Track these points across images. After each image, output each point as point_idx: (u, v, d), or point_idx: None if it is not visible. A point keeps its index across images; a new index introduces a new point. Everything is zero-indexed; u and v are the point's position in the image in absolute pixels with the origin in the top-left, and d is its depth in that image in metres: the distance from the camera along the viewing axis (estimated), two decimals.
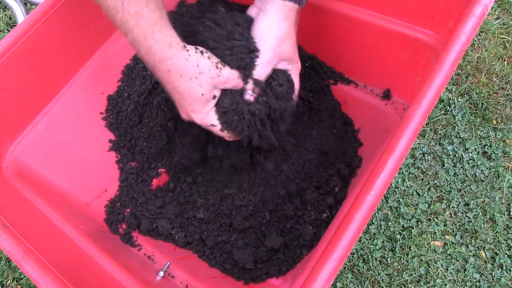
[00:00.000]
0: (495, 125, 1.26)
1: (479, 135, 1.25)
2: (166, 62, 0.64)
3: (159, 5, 0.63)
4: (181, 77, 0.65)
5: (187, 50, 0.65)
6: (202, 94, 0.67)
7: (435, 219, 1.16)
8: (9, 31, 1.43)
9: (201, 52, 0.67)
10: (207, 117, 0.70)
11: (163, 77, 0.66)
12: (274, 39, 0.71)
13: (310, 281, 0.48)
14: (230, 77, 0.69)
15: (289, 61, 0.74)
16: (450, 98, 1.29)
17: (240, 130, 0.71)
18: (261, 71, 0.72)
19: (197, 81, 0.66)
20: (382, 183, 0.50)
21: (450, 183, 1.19)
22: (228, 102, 0.70)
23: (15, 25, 0.87)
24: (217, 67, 0.67)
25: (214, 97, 0.69)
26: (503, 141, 1.24)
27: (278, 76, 0.73)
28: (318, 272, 0.48)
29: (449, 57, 0.55)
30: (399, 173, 1.20)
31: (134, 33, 0.62)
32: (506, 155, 1.22)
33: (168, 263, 0.81)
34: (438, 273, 1.10)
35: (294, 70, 0.75)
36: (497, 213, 1.16)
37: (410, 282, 1.09)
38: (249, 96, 0.71)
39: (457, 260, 1.12)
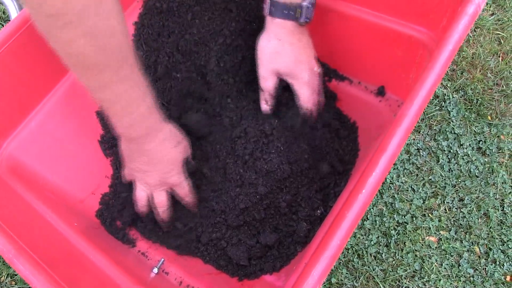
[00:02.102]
0: (490, 121, 1.26)
1: (474, 130, 1.25)
2: (160, 134, 0.71)
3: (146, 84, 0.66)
4: (170, 146, 0.73)
5: (170, 123, 0.74)
6: (180, 160, 0.76)
7: (429, 214, 1.16)
8: (2, 25, 1.42)
9: (174, 125, 0.75)
10: (181, 177, 0.77)
11: (152, 148, 0.71)
12: (264, 56, 0.79)
13: (302, 280, 0.48)
14: (190, 150, 0.80)
15: (290, 76, 0.80)
16: (445, 94, 1.29)
17: None
18: (260, 85, 0.82)
19: (179, 147, 0.75)
20: (374, 181, 0.51)
21: (445, 179, 1.20)
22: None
23: (8, 20, 0.86)
24: (184, 136, 0.77)
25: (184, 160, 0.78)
26: (498, 136, 1.24)
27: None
28: (309, 271, 0.48)
29: (441, 56, 0.55)
30: (394, 169, 1.20)
31: (134, 115, 0.65)
32: (500, 151, 1.23)
33: (162, 259, 0.81)
34: (433, 268, 1.11)
35: (297, 84, 0.80)
36: (491, 208, 1.16)
37: (404, 278, 1.10)
38: (264, 106, 0.84)
39: (452, 256, 1.12)
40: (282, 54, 0.77)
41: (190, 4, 0.90)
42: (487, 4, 1.42)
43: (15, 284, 1.09)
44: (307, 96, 0.81)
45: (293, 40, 0.76)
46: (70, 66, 0.58)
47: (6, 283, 1.10)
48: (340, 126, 0.88)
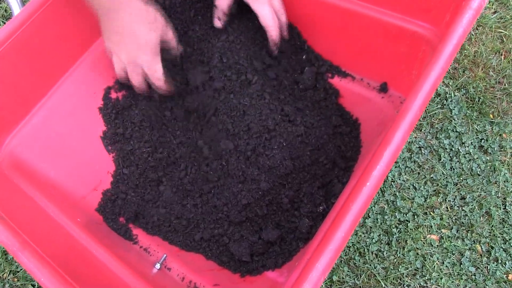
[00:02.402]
0: (492, 119, 1.26)
1: (476, 129, 1.25)
2: (132, 5, 0.70)
3: None
4: (141, 21, 0.72)
5: (147, 3, 0.73)
6: (155, 40, 0.75)
7: (431, 213, 1.16)
8: (4, 23, 1.42)
9: (157, 9, 0.75)
10: (154, 60, 0.76)
11: (120, 18, 0.71)
12: None
13: (306, 273, 0.48)
14: (171, 30, 0.79)
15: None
16: (447, 92, 1.29)
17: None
18: (216, 4, 0.83)
19: (152, 26, 0.74)
20: (378, 175, 0.51)
21: (446, 177, 1.20)
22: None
23: (11, 18, 0.86)
24: (163, 19, 0.76)
25: (158, 45, 0.77)
26: (500, 135, 1.24)
27: None
28: (314, 263, 0.48)
29: (445, 50, 0.55)
30: (395, 167, 1.20)
31: None
32: (502, 149, 1.23)
33: (165, 255, 0.81)
34: (434, 266, 1.11)
35: (256, 4, 0.81)
36: (493, 207, 1.16)
37: (406, 276, 1.10)
38: (217, 22, 0.85)
39: (453, 254, 1.12)
40: None
41: (192, 1, 0.90)
42: (489, 2, 1.42)
43: (18, 281, 1.09)
44: (268, 15, 0.81)
45: None
46: None
47: (8, 279, 1.10)
48: (342, 122, 0.88)
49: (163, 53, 0.79)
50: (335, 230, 0.49)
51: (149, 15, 0.73)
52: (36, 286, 1.08)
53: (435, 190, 1.19)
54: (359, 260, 1.11)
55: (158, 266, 0.80)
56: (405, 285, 1.09)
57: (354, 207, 0.50)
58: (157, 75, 0.78)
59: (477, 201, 1.17)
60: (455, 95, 1.29)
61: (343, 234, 0.49)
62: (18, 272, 1.10)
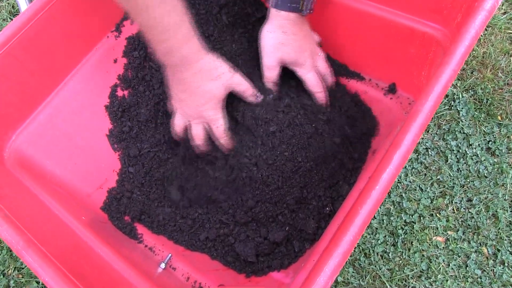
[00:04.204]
0: (500, 121, 1.25)
1: (483, 130, 1.24)
2: (196, 65, 0.71)
3: (184, 10, 0.68)
4: (205, 78, 0.73)
5: (211, 55, 0.74)
6: (219, 95, 0.76)
7: (437, 214, 1.15)
8: (12, 20, 1.42)
9: (218, 57, 0.75)
10: (217, 114, 0.77)
11: (183, 78, 0.72)
12: (269, 46, 0.81)
13: (314, 276, 0.48)
14: (241, 81, 0.78)
15: (294, 64, 0.82)
16: (454, 93, 1.28)
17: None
18: (265, 74, 0.84)
19: (217, 83, 0.75)
20: (387, 178, 0.50)
21: (453, 179, 1.19)
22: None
23: (18, 14, 0.86)
24: (230, 72, 0.76)
25: (225, 100, 0.78)
26: (508, 137, 1.23)
27: None
28: (322, 267, 0.47)
29: (457, 51, 0.55)
30: (402, 168, 1.20)
31: (170, 42, 0.67)
32: (510, 152, 1.22)
33: (170, 255, 0.81)
34: (440, 268, 1.10)
35: (302, 70, 0.83)
36: (500, 209, 1.15)
37: (411, 277, 1.09)
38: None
39: (459, 256, 1.11)
40: (287, 44, 0.80)
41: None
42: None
43: (22, 277, 1.09)
44: (314, 80, 0.84)
45: (296, 30, 0.80)
46: None
47: (13, 276, 1.10)
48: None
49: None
50: (343, 234, 0.48)
51: (216, 70, 0.75)
52: (40, 283, 1.08)
53: (441, 192, 1.18)
54: (364, 261, 1.11)
55: (163, 265, 0.79)
56: (410, 287, 1.08)
57: (363, 210, 0.49)
58: (221, 129, 0.78)
59: (484, 203, 1.16)
60: (463, 96, 1.28)
61: (351, 237, 0.48)
62: (23, 268, 1.10)
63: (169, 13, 0.64)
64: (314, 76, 0.84)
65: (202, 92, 0.74)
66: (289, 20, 0.79)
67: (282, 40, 0.80)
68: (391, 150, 0.51)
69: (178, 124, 0.81)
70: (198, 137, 0.80)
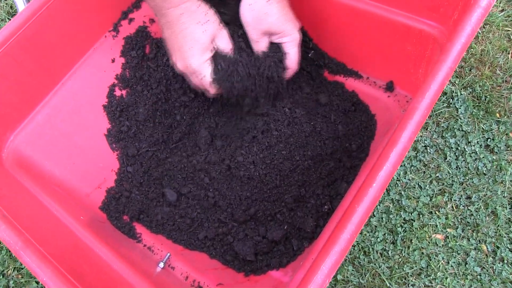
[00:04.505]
0: (498, 118, 1.25)
1: (482, 128, 1.24)
2: (181, 6, 0.69)
3: None
4: (189, 20, 0.71)
5: (200, 2, 0.71)
6: (204, 41, 0.73)
7: (436, 212, 1.15)
8: (10, 20, 1.42)
9: (210, 6, 0.73)
10: (202, 65, 0.75)
11: (171, 21, 0.71)
12: (253, 17, 0.76)
13: (311, 274, 0.48)
14: (227, 36, 0.76)
15: (281, 35, 0.78)
16: (453, 91, 1.28)
17: (230, 86, 0.78)
18: (253, 47, 0.79)
19: (202, 27, 0.72)
20: (384, 175, 0.50)
21: (452, 176, 1.19)
22: (224, 58, 0.77)
23: (16, 15, 0.86)
24: (219, 24, 0.75)
25: (212, 50, 0.75)
26: (506, 134, 1.23)
27: (270, 49, 0.79)
28: (319, 265, 0.48)
29: (454, 49, 0.55)
30: (401, 166, 1.19)
31: None
32: (509, 149, 1.22)
33: (168, 254, 0.81)
34: (439, 266, 1.10)
35: (289, 42, 0.79)
36: (499, 206, 1.15)
37: (411, 275, 1.09)
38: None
39: (458, 254, 1.12)
40: (271, 13, 0.75)
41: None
42: (497, 0, 1.40)
43: (22, 277, 1.10)
44: (295, 55, 0.81)
45: None
46: None
47: (12, 276, 1.10)
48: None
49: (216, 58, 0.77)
50: (340, 232, 0.48)
51: (202, 14, 0.72)
52: (40, 283, 1.08)
53: (440, 189, 1.18)
54: (364, 259, 1.11)
55: (161, 265, 0.79)
56: (409, 285, 1.08)
57: (360, 208, 0.49)
58: (206, 81, 0.77)
59: (483, 200, 1.16)
60: (461, 94, 1.28)
61: (348, 235, 0.48)
62: (22, 269, 1.10)
63: None
64: (297, 51, 0.81)
65: (185, 35, 0.72)
66: None
67: (266, 10, 0.75)
68: (388, 147, 0.51)
69: (179, 73, 0.80)
70: (194, 86, 0.79)
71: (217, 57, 0.77)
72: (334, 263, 0.47)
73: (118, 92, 0.89)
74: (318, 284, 0.47)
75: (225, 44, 0.77)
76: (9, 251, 1.12)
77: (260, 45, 0.80)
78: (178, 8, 0.69)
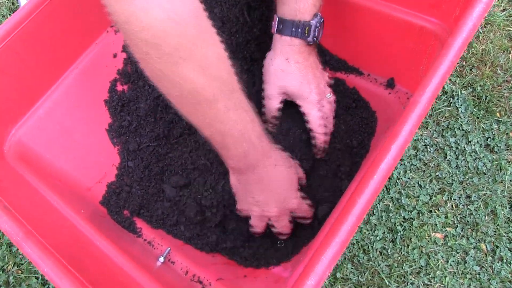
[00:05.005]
0: (499, 117, 1.25)
1: (482, 127, 1.24)
2: (272, 157, 0.66)
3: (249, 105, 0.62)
4: (283, 169, 0.69)
5: (279, 148, 0.70)
6: (295, 180, 0.72)
7: (436, 211, 1.16)
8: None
9: (284, 150, 0.72)
10: (302, 203, 0.73)
11: (263, 171, 0.66)
12: (270, 74, 0.76)
13: (312, 266, 0.48)
14: (301, 170, 0.77)
15: (297, 96, 0.76)
16: (453, 90, 1.28)
17: None
18: (263, 104, 0.79)
19: (291, 167, 0.71)
20: (385, 168, 0.50)
21: (452, 175, 1.19)
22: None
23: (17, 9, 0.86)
24: (294, 161, 0.75)
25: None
26: (506, 134, 1.23)
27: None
28: (319, 256, 0.48)
29: (455, 43, 0.55)
30: (401, 164, 1.20)
31: (244, 146, 0.61)
32: (509, 148, 1.22)
33: (168, 249, 0.81)
34: (438, 265, 1.10)
35: (306, 105, 0.77)
36: (499, 206, 1.16)
37: (410, 274, 1.09)
38: (268, 126, 0.81)
39: (458, 252, 1.12)
40: (289, 72, 0.74)
41: None
42: (498, 0, 1.41)
43: (22, 273, 1.10)
44: (317, 118, 0.78)
45: (299, 58, 0.74)
46: (180, 105, 0.55)
47: (12, 271, 1.10)
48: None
49: None
50: (341, 224, 0.49)
51: (287, 159, 0.71)
52: (40, 278, 1.08)
53: (440, 188, 1.18)
54: (363, 258, 1.11)
55: (161, 259, 0.79)
56: (409, 283, 1.09)
57: (361, 200, 0.49)
58: (306, 210, 0.75)
59: (482, 200, 1.16)
60: (462, 93, 1.28)
61: (349, 227, 0.48)
62: (22, 264, 1.10)
63: (242, 115, 0.58)
64: (319, 114, 0.77)
65: (283, 184, 0.70)
66: (292, 46, 0.73)
67: (283, 67, 0.74)
68: (388, 141, 0.52)
69: (258, 227, 0.76)
70: (286, 230, 0.76)
71: None
72: (335, 254, 0.47)
73: (119, 87, 0.89)
74: (319, 275, 0.47)
75: (302, 177, 0.77)
76: (9, 247, 1.12)
77: (272, 103, 0.78)
78: (271, 160, 0.66)
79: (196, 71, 0.50)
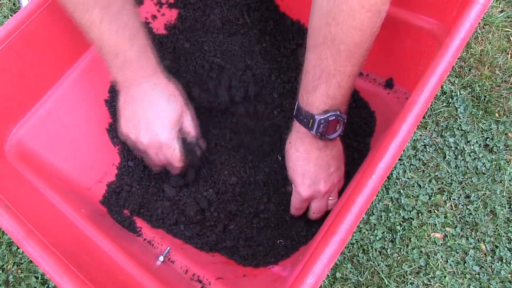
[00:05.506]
0: (498, 118, 1.26)
1: (481, 127, 1.24)
2: (152, 80, 0.68)
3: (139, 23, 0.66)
4: (160, 95, 0.69)
5: (166, 74, 0.72)
6: (174, 117, 0.71)
7: (435, 211, 1.16)
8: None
9: (177, 85, 0.73)
10: (172, 140, 0.73)
11: (138, 93, 0.69)
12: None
13: (311, 264, 0.48)
14: (192, 119, 0.76)
15: (292, 182, 0.75)
16: (452, 91, 1.29)
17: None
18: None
19: (173, 104, 0.71)
20: (384, 167, 0.50)
21: (451, 175, 1.19)
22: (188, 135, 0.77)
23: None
24: (185, 104, 0.74)
25: (179, 127, 0.74)
26: (505, 134, 1.24)
27: None
28: (318, 255, 0.48)
29: (453, 43, 0.55)
30: (400, 164, 1.20)
31: (125, 55, 0.65)
32: (508, 148, 1.22)
33: (168, 248, 0.81)
34: (438, 264, 1.10)
35: (294, 191, 0.75)
36: (498, 206, 1.16)
37: (409, 273, 1.10)
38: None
39: (457, 252, 1.12)
40: (287, 157, 0.74)
41: None
42: (496, 0, 1.41)
43: (21, 272, 1.10)
44: (294, 206, 0.78)
45: (305, 148, 0.70)
46: (65, 4, 0.62)
47: (12, 271, 1.10)
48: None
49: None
50: (340, 222, 0.49)
51: (168, 91, 0.71)
52: (39, 278, 1.09)
53: (439, 188, 1.18)
54: (363, 257, 1.11)
55: (161, 258, 0.80)
56: (408, 283, 1.09)
57: (359, 199, 0.50)
58: (175, 157, 0.74)
59: (481, 200, 1.17)
60: (460, 94, 1.28)
61: (348, 226, 0.49)
62: (21, 264, 1.11)
63: (121, 29, 0.62)
64: (298, 203, 0.77)
65: (156, 109, 0.70)
66: (298, 133, 0.70)
67: (287, 149, 0.73)
68: (387, 140, 0.52)
69: (137, 153, 0.78)
70: (156, 166, 0.77)
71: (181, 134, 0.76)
72: (334, 253, 0.48)
73: None
74: (317, 273, 0.47)
75: (189, 123, 0.76)
76: (9, 246, 1.12)
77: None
78: (150, 81, 0.68)
79: None
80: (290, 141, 0.72)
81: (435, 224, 1.14)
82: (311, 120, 0.65)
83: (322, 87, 0.62)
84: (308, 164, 0.70)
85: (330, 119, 0.64)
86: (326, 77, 0.61)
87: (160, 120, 0.71)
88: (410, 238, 1.13)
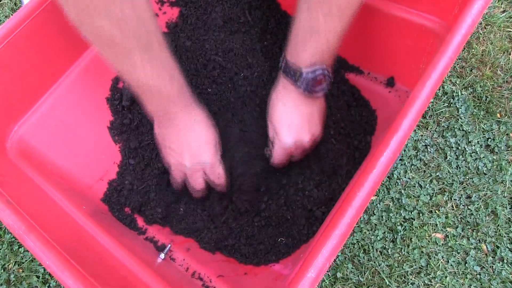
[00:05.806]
0: (499, 118, 1.26)
1: (483, 128, 1.24)
2: (192, 112, 0.72)
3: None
4: (200, 119, 0.73)
5: (202, 107, 0.75)
6: (215, 139, 0.76)
7: (436, 211, 1.16)
8: None
9: (208, 114, 0.76)
10: (216, 164, 0.76)
11: (178, 118, 0.71)
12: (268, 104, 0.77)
13: (311, 258, 0.48)
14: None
15: (275, 133, 0.76)
16: (453, 91, 1.29)
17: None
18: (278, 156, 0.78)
19: (212, 133, 0.75)
20: (385, 162, 0.50)
21: (452, 176, 1.19)
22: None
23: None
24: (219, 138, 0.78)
25: (218, 146, 0.77)
26: (507, 134, 1.24)
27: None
28: (319, 248, 0.48)
29: (454, 40, 0.55)
30: (401, 164, 1.20)
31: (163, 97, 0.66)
32: (509, 149, 1.22)
33: (169, 245, 0.81)
34: (439, 265, 1.10)
35: (275, 144, 0.77)
36: (499, 206, 1.16)
37: (410, 274, 1.09)
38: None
39: (458, 253, 1.12)
40: (274, 107, 0.75)
41: None
42: (498, 1, 1.41)
43: (23, 271, 1.10)
44: (278, 159, 0.79)
45: (290, 102, 0.73)
46: (104, 55, 0.60)
47: (13, 270, 1.10)
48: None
49: None
50: (341, 216, 0.49)
51: (207, 121, 0.74)
52: (40, 277, 1.09)
53: (440, 189, 1.18)
54: (364, 257, 1.11)
55: (162, 256, 0.80)
56: (409, 283, 1.09)
57: (360, 194, 0.50)
58: (219, 174, 0.77)
59: (483, 200, 1.17)
60: (462, 94, 1.28)
61: (348, 220, 0.49)
62: (23, 263, 1.11)
63: (161, 69, 0.63)
64: (278, 156, 0.78)
65: (198, 140, 0.73)
66: (285, 89, 0.72)
67: (275, 102, 0.75)
68: (388, 135, 0.52)
69: (175, 180, 0.80)
70: (199, 185, 0.78)
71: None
72: (335, 247, 0.47)
73: (121, 85, 0.90)
74: (319, 267, 0.47)
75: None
76: (10, 245, 1.12)
77: (269, 132, 0.79)
78: (191, 115, 0.71)
79: (112, 25, 0.55)
80: (276, 96, 0.75)
81: (436, 224, 1.14)
82: (298, 74, 0.67)
83: (311, 43, 0.65)
84: (294, 116, 0.73)
85: (317, 74, 0.67)
86: (316, 34, 0.64)
87: (202, 142, 0.74)
88: (411, 238, 1.13)
